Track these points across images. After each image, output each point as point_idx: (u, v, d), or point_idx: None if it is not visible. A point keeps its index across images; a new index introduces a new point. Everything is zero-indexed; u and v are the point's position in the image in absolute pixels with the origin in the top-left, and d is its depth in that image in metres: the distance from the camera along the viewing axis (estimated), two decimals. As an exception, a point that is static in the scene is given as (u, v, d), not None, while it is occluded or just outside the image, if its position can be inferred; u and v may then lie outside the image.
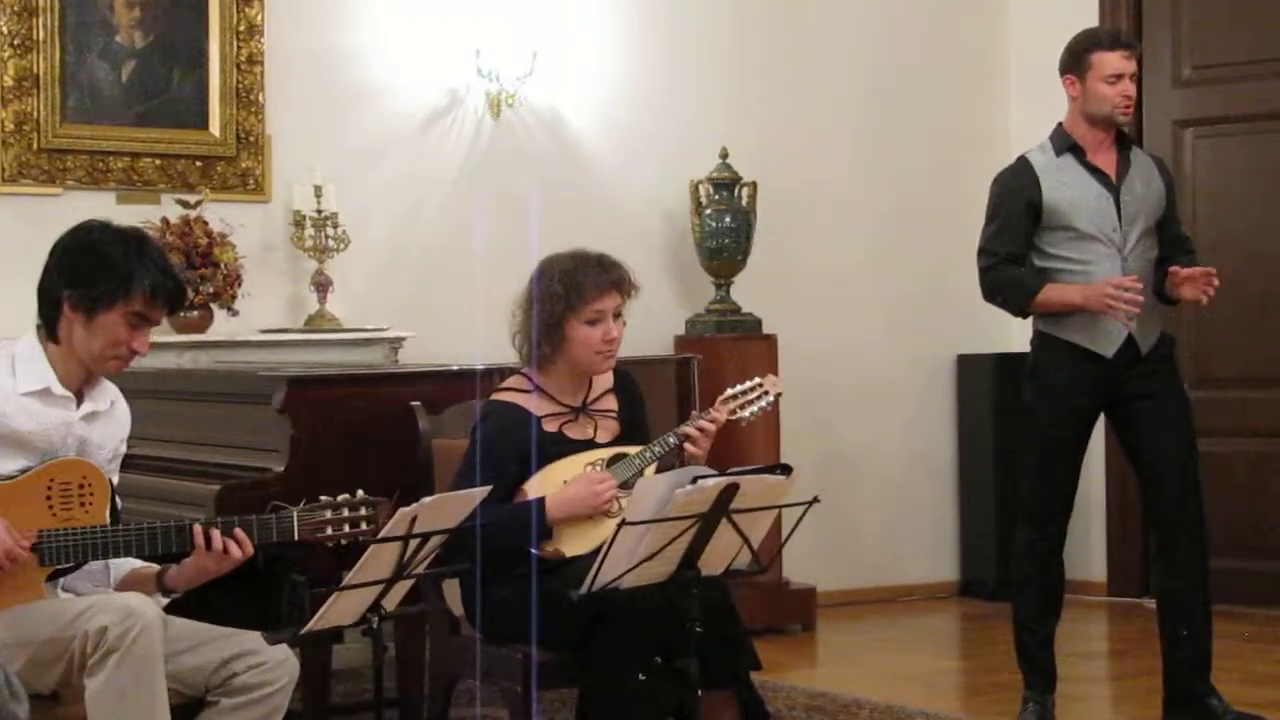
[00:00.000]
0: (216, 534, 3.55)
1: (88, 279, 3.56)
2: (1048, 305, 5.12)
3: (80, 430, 3.65)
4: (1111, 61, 5.12)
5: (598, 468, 4.26)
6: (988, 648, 6.68)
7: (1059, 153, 5.18)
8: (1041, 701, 5.23)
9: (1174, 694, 5.23)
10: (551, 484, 4.23)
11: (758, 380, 4.51)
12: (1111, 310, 4.99)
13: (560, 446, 4.30)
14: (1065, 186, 5.13)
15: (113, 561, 3.67)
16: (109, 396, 3.75)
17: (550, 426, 4.33)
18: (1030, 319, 5.25)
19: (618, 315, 4.33)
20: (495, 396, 4.39)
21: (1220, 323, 6.46)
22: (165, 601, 3.63)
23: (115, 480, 3.74)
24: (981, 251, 5.21)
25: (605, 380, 4.45)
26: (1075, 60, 5.18)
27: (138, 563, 3.69)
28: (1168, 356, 5.23)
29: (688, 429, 4.35)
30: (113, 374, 3.71)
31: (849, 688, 5.90)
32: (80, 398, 3.66)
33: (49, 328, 3.63)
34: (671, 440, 4.31)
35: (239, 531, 3.57)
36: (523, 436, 4.26)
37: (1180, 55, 7.54)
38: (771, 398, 4.49)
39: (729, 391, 4.48)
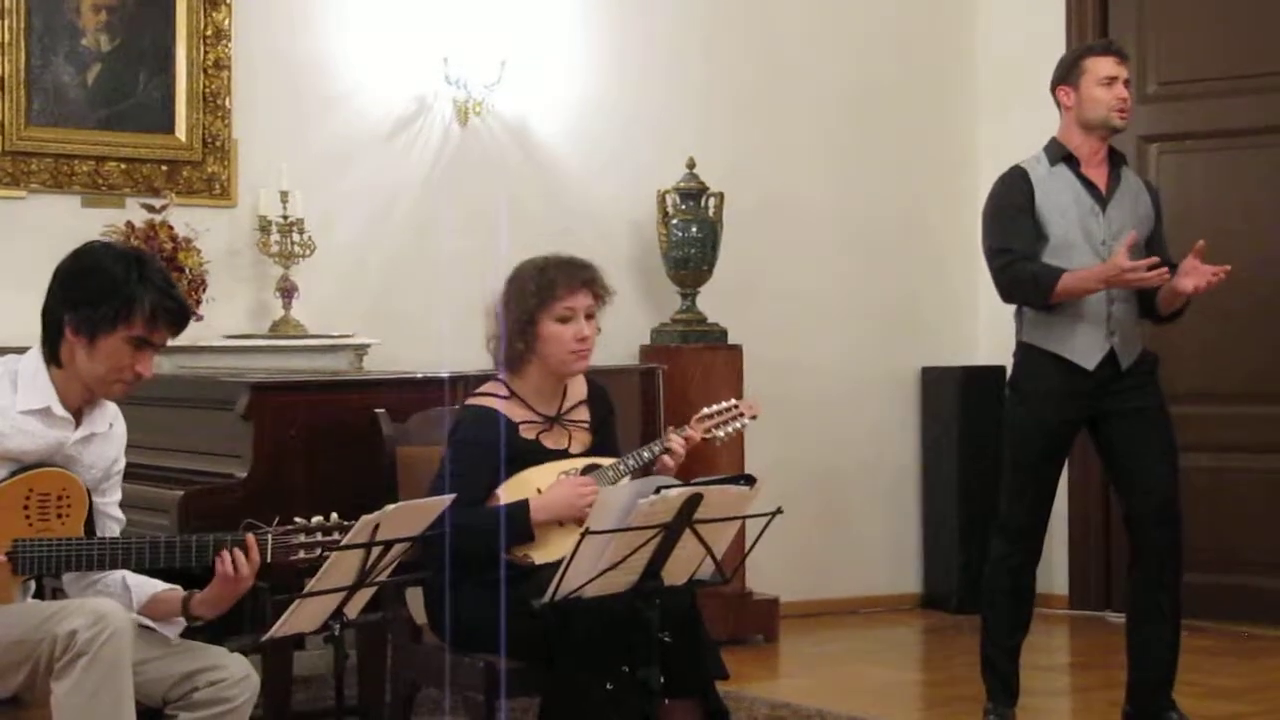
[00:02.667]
0: (239, 556, 3.49)
1: (88, 301, 3.52)
2: (1070, 293, 5.02)
3: (72, 450, 3.61)
4: (1105, 65, 5.14)
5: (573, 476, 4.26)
6: (949, 660, 6.70)
7: (1053, 162, 5.17)
8: (1003, 714, 5.24)
9: (1135, 708, 5.24)
10: (525, 490, 4.22)
11: (734, 402, 4.52)
12: (1140, 282, 4.95)
13: (538, 455, 4.31)
14: (1057, 195, 5.12)
15: (134, 584, 3.62)
16: (108, 418, 3.71)
17: (528, 434, 4.33)
18: (1014, 329, 5.23)
19: (590, 316, 4.34)
20: (471, 401, 4.39)
21: (1181, 338, 6.47)
22: (184, 626, 3.58)
23: (118, 497, 3.73)
24: (996, 251, 5.13)
25: (579, 391, 4.45)
26: (1068, 70, 5.20)
27: (161, 586, 3.64)
28: (1150, 373, 5.21)
29: (662, 444, 4.35)
30: (116, 398, 3.67)
31: (811, 699, 5.90)
32: (79, 418, 3.62)
33: (52, 351, 3.58)
34: (645, 455, 4.32)
35: (250, 543, 3.50)
36: (499, 442, 4.26)
37: (1145, 71, 7.56)
38: (747, 420, 4.49)
39: (705, 411, 4.48)
